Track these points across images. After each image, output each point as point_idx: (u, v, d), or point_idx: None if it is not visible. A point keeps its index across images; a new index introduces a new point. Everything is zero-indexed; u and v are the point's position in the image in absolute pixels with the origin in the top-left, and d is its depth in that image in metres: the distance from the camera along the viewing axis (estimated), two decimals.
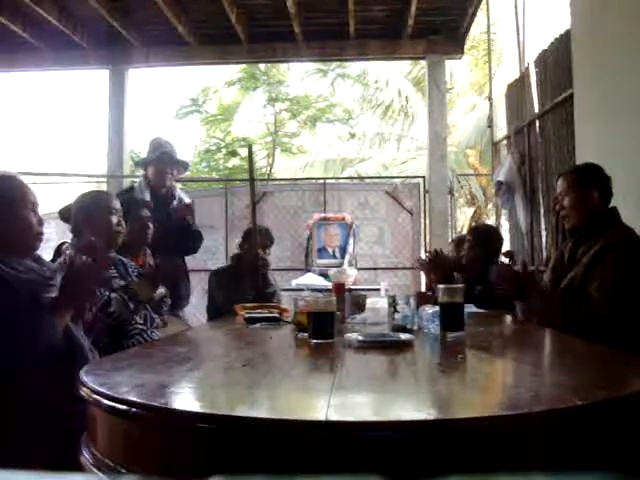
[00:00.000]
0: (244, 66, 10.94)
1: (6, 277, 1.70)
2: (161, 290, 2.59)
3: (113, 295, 2.23)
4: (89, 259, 1.84)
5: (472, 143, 11.04)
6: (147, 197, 3.35)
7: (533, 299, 2.27)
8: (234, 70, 11.49)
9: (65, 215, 2.49)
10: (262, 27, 6.10)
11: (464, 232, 9.53)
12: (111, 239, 2.42)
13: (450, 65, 10.05)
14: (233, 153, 12.41)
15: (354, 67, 12.07)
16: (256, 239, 3.37)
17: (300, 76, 12.12)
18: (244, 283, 3.40)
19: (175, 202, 3.50)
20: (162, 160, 3.44)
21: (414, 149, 12.38)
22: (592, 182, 2.30)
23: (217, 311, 3.37)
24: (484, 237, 3.47)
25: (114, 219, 2.42)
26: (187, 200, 3.55)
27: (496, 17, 9.89)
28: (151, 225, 2.96)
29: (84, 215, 2.39)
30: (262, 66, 11.32)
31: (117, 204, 2.49)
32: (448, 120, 8.62)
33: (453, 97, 12.59)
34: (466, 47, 6.65)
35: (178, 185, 3.72)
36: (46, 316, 1.72)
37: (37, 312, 1.71)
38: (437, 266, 3.15)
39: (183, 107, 12.03)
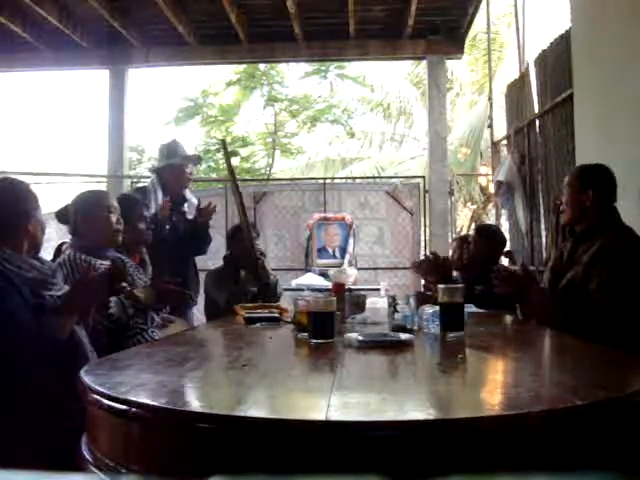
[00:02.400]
0: (243, 66, 10.93)
1: (10, 275, 1.70)
2: None
3: (112, 298, 2.23)
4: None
5: (469, 142, 11.03)
6: (160, 201, 3.36)
7: (533, 301, 2.27)
8: (233, 70, 11.48)
9: (61, 217, 2.49)
10: (262, 27, 6.10)
11: (464, 232, 9.54)
12: (111, 238, 2.42)
13: (451, 65, 10.04)
14: (233, 153, 12.40)
15: (352, 66, 12.06)
16: (250, 232, 3.35)
17: (299, 75, 12.11)
18: (245, 278, 3.38)
19: (186, 205, 3.51)
20: (182, 165, 3.45)
21: (416, 149, 12.37)
22: (591, 182, 2.30)
23: (217, 312, 3.35)
24: (490, 236, 3.47)
25: (113, 217, 2.42)
26: (194, 200, 3.56)
27: (497, 16, 9.90)
28: (149, 225, 2.96)
29: (82, 215, 2.39)
30: (262, 67, 11.31)
31: (114, 202, 2.49)
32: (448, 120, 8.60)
33: (452, 96, 12.59)
34: (466, 46, 6.65)
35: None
36: (50, 314, 1.73)
37: (41, 309, 1.72)
38: (435, 268, 3.13)
39: (183, 109, 12.03)
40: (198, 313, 3.83)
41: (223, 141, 4.13)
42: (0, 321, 1.64)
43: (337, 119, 12.46)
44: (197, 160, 3.59)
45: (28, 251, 1.83)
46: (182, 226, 3.41)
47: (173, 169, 3.44)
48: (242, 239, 3.40)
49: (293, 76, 12.10)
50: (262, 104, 12.06)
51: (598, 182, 2.30)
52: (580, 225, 2.34)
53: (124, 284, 2.23)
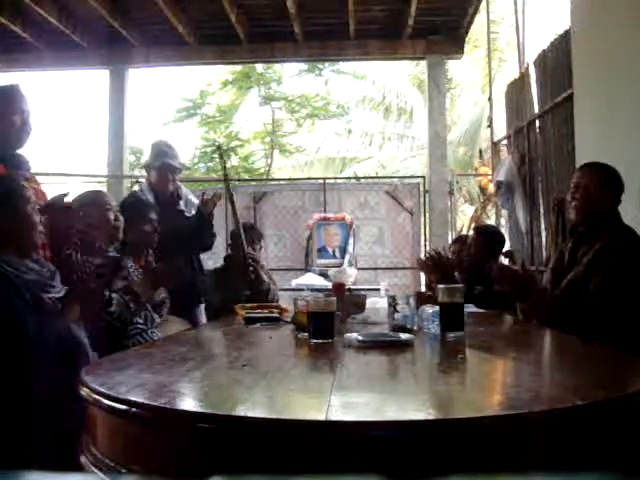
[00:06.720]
0: (239, 67, 10.92)
1: (10, 276, 1.70)
2: (161, 292, 2.60)
3: (114, 295, 2.24)
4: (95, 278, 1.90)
5: (469, 141, 11.03)
6: (151, 200, 3.35)
7: (533, 300, 2.26)
8: (228, 71, 11.46)
9: None
10: (262, 27, 6.09)
11: (464, 232, 9.52)
12: (110, 235, 2.44)
13: (453, 64, 10.03)
14: (231, 151, 12.40)
15: (348, 63, 12.02)
16: (241, 239, 3.37)
17: (294, 73, 12.10)
18: (237, 283, 3.40)
19: (182, 202, 3.52)
20: (164, 168, 3.46)
21: (416, 148, 12.37)
22: (609, 183, 2.29)
23: (214, 312, 3.37)
24: (488, 237, 3.47)
25: (111, 215, 2.45)
26: (194, 200, 3.57)
27: (500, 16, 9.89)
28: (157, 228, 2.96)
29: (82, 214, 2.40)
30: (258, 68, 11.30)
31: (112, 200, 2.52)
32: (448, 120, 8.61)
33: (453, 95, 12.58)
34: (469, 46, 6.63)
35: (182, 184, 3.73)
36: (49, 315, 1.73)
37: (40, 311, 1.72)
38: (437, 266, 3.13)
39: (181, 110, 12.03)
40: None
41: (219, 147, 4.08)
42: (1, 322, 1.64)
43: (334, 114, 12.44)
44: (176, 170, 3.55)
45: (24, 251, 1.83)
46: (180, 224, 3.39)
47: (156, 171, 3.47)
48: (238, 244, 3.42)
49: (288, 74, 12.08)
50: (259, 102, 12.05)
51: (614, 185, 2.29)
52: (584, 225, 2.33)
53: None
